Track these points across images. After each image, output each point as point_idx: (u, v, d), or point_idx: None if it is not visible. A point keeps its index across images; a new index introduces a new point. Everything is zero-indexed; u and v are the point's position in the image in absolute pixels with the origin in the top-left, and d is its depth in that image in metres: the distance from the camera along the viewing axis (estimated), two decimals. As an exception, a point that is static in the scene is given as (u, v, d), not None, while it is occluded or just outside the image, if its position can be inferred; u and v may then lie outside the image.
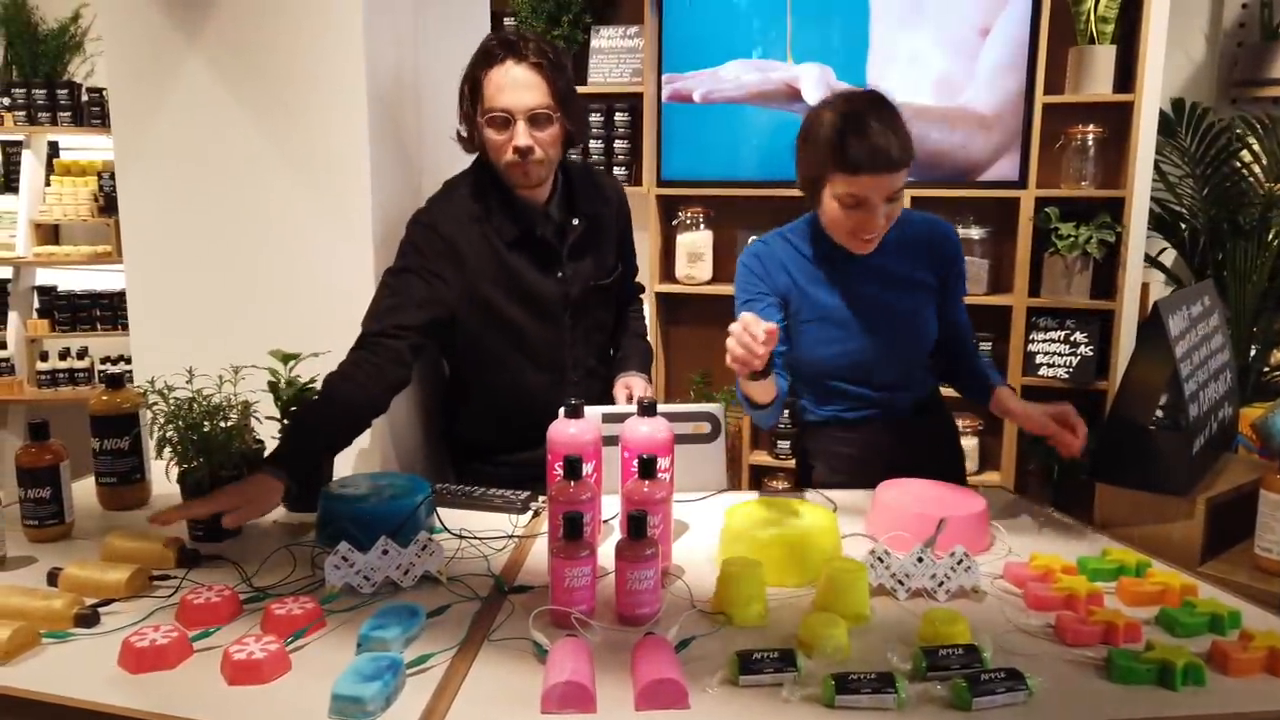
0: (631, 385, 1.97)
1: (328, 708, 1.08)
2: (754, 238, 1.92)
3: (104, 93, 4.08)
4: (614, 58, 3.81)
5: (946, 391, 2.00)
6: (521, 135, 1.75)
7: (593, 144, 3.86)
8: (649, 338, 2.23)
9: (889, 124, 1.64)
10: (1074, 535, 1.66)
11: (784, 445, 3.71)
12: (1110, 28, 3.31)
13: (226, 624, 1.28)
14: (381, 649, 1.19)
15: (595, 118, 3.83)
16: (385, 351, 1.73)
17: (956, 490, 1.67)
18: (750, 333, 1.43)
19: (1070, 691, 1.14)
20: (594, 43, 3.82)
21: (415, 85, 2.06)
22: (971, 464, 3.56)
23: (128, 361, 4.10)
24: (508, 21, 3.82)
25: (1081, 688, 1.15)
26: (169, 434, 1.58)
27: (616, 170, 3.85)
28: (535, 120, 1.75)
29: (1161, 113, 3.42)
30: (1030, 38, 3.38)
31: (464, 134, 1.86)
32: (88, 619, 1.27)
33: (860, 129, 1.63)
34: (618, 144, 3.86)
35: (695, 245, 3.81)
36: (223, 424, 1.61)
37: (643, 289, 2.23)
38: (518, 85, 1.73)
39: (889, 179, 1.64)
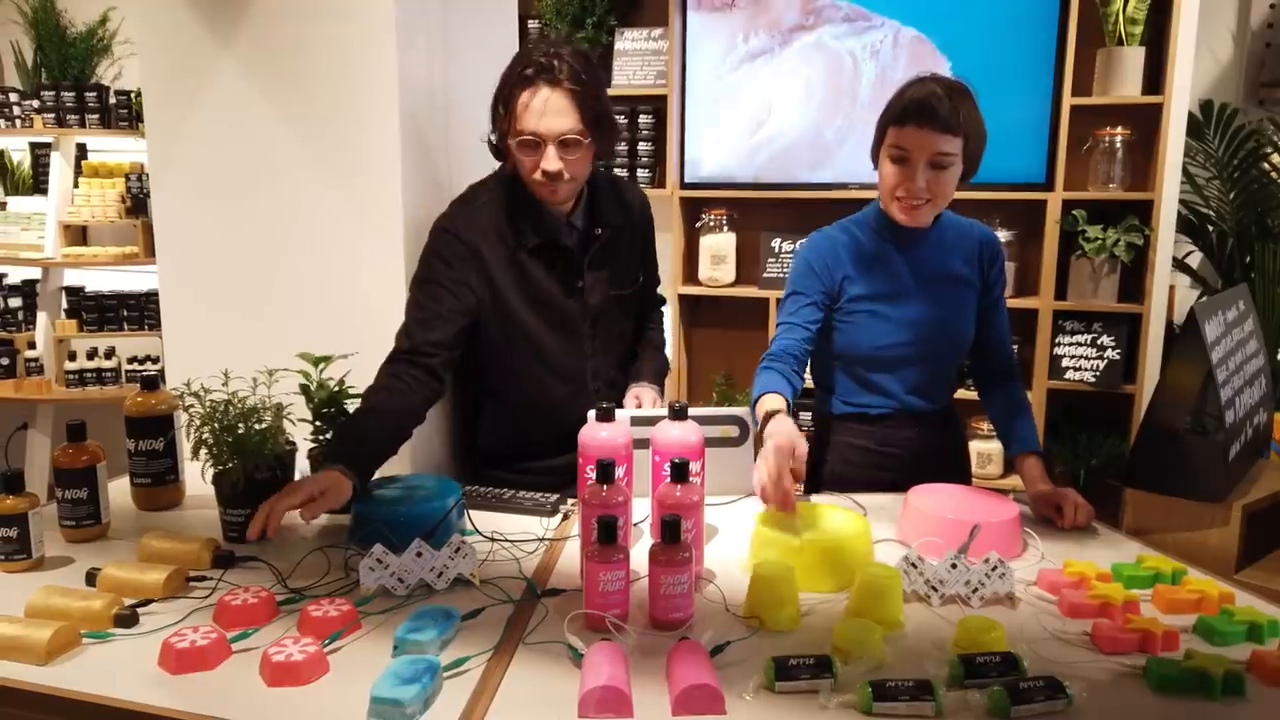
0: (640, 396, 1.96)
1: (366, 710, 1.08)
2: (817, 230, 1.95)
3: (131, 95, 4.12)
4: (638, 60, 3.82)
5: (963, 394, 2.02)
6: (551, 160, 1.74)
7: (616, 146, 3.86)
8: (671, 341, 2.22)
9: (950, 93, 1.70)
10: (1107, 542, 1.65)
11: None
12: (1139, 29, 3.29)
13: (264, 625, 1.29)
14: (418, 651, 1.20)
15: (619, 120, 3.81)
16: (419, 368, 1.74)
17: (989, 496, 1.67)
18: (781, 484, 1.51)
19: (1109, 700, 1.13)
20: (618, 45, 3.83)
21: (445, 89, 2.07)
22: (996, 468, 3.54)
23: (154, 361, 4.14)
24: (532, 24, 3.82)
25: (1120, 696, 1.14)
26: (205, 436, 1.59)
27: (640, 173, 3.86)
28: (565, 144, 1.74)
29: (1189, 114, 3.39)
30: (1058, 38, 3.36)
31: (494, 143, 1.86)
32: (127, 619, 1.29)
33: (918, 87, 1.71)
34: (641, 146, 3.87)
35: (718, 247, 3.81)
36: (257, 426, 1.62)
37: (663, 301, 2.22)
38: (549, 111, 1.72)
39: (933, 137, 1.68)
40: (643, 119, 3.84)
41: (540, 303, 1.88)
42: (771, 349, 1.82)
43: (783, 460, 1.52)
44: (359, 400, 1.74)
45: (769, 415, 1.63)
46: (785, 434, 1.55)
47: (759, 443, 1.65)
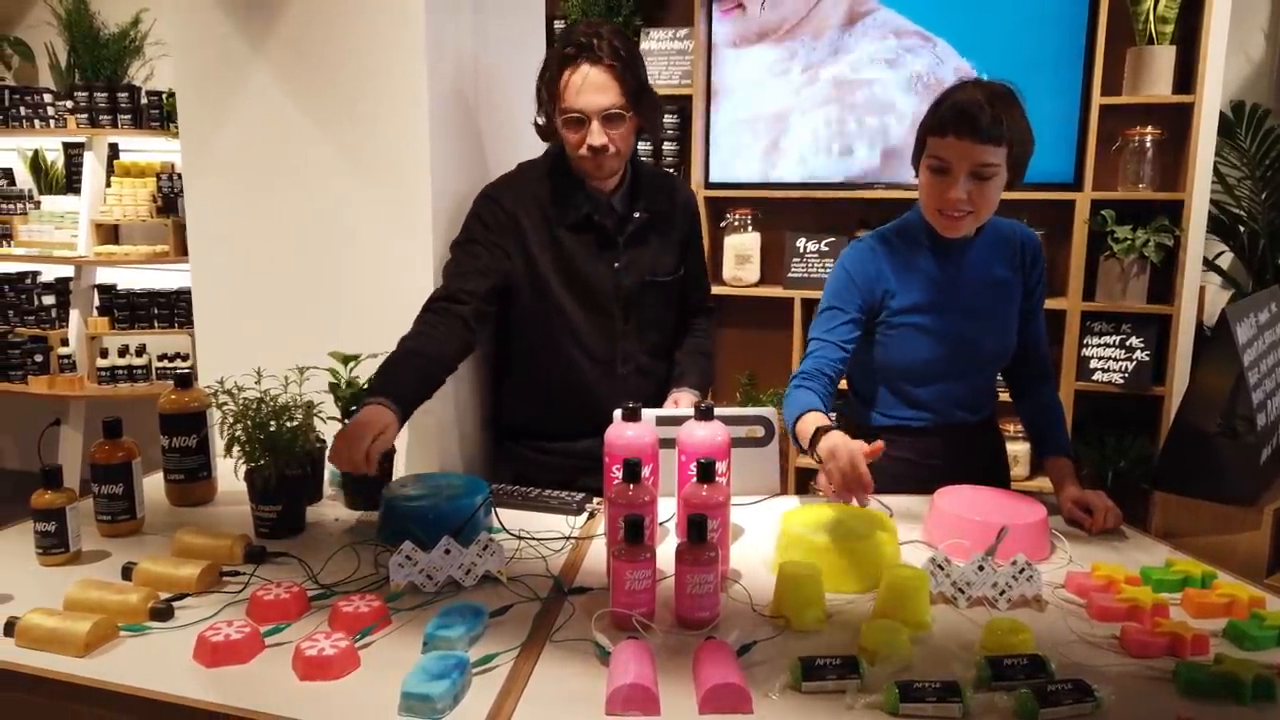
0: (679, 401, 1.97)
1: (397, 705, 1.10)
2: (863, 233, 1.91)
3: (163, 96, 4.17)
4: (663, 59, 3.82)
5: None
6: (596, 135, 1.80)
7: (641, 145, 3.86)
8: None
9: (992, 100, 1.64)
10: (1135, 545, 1.63)
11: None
12: (1170, 28, 3.26)
13: (296, 620, 1.31)
14: (447, 648, 1.21)
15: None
16: (451, 316, 1.80)
17: (1017, 498, 1.66)
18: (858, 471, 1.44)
19: (1137, 704, 1.13)
20: (644, 45, 3.83)
21: (475, 87, 2.08)
22: (1023, 470, 3.52)
23: (184, 359, 4.19)
24: (558, 25, 3.84)
25: (1148, 700, 1.14)
26: (237, 433, 1.61)
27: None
28: (609, 119, 1.81)
29: (1221, 114, 3.35)
30: (1087, 37, 3.33)
31: (541, 124, 1.91)
32: (162, 613, 1.31)
33: (959, 95, 1.66)
34: (666, 146, 3.87)
35: (743, 247, 3.81)
36: (289, 424, 1.64)
37: (713, 311, 2.21)
38: (592, 88, 1.78)
39: (974, 147, 1.63)
40: (668, 119, 3.84)
41: (574, 278, 1.93)
42: (803, 367, 1.77)
43: (857, 457, 1.45)
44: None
45: (820, 431, 1.56)
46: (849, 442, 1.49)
47: (807, 455, 1.63)
